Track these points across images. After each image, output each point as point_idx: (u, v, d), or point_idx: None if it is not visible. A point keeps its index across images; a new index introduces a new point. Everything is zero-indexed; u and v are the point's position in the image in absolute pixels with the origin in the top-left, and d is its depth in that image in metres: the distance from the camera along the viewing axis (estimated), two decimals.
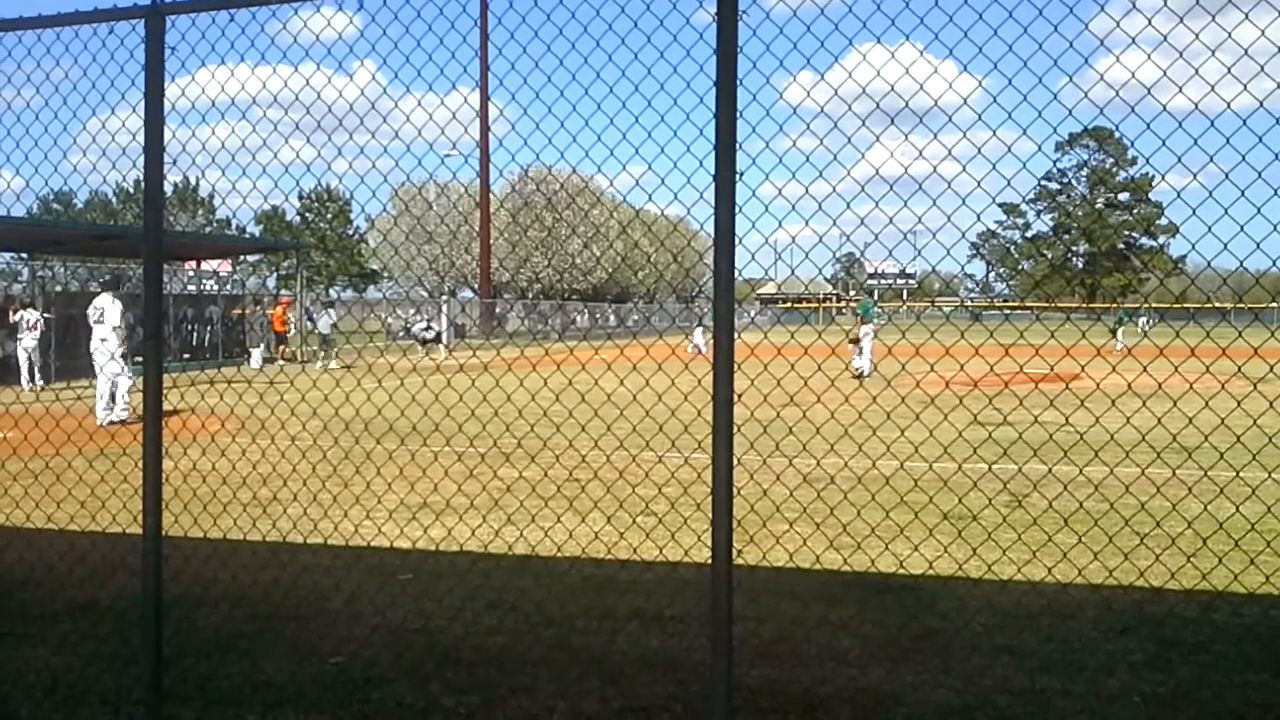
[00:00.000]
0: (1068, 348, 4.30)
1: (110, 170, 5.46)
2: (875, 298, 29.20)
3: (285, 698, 4.92)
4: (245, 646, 5.58)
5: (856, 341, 22.80)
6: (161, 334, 4.66)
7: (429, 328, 37.89)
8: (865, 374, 21.25)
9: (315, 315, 33.99)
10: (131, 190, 69.42)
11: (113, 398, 16.44)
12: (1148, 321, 39.11)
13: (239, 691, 4.99)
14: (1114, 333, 37.03)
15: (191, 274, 38.96)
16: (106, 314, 16.72)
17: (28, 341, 24.44)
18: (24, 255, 30.87)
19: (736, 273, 3.90)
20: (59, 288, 30.12)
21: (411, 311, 37.92)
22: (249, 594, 6.26)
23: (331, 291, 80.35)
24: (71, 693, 4.95)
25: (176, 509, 6.98)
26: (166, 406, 4.44)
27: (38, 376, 24.13)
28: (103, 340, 16.64)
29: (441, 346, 35.10)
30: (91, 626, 5.83)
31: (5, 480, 7.60)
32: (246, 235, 53.49)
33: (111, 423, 15.81)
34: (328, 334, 31.93)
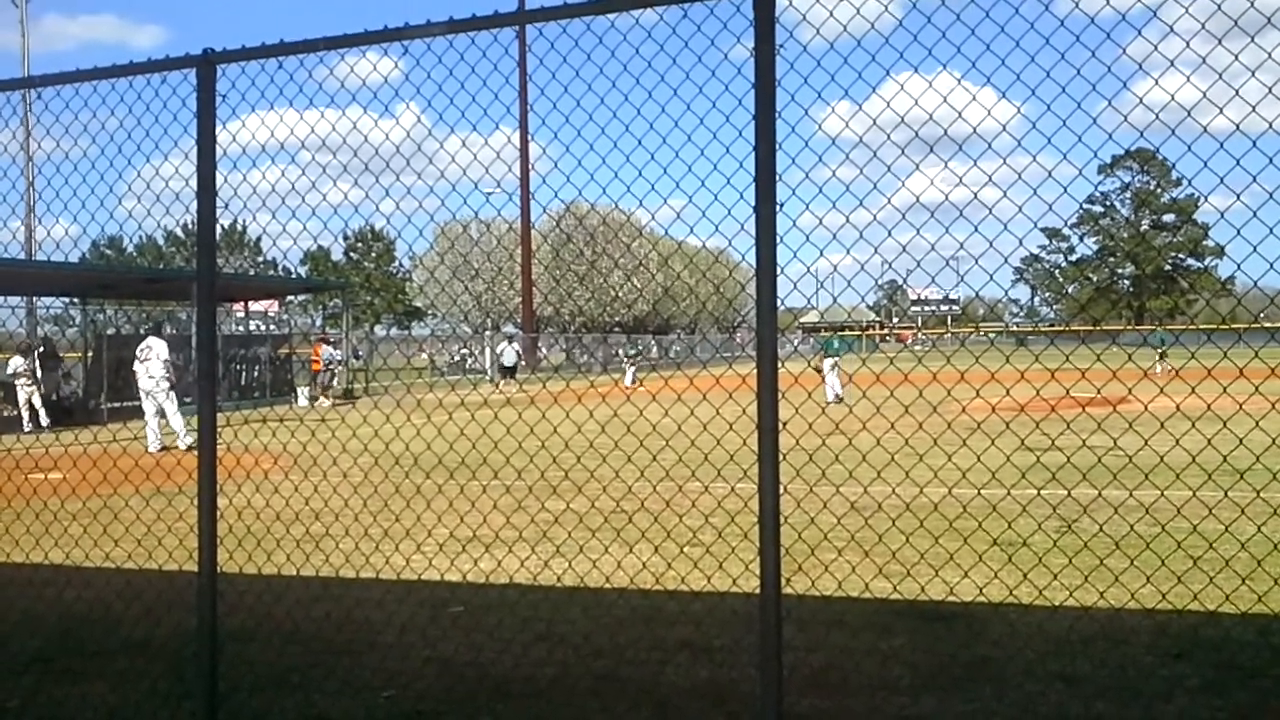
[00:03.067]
0: (1114, 370, 4.28)
1: (164, 216, 5.61)
2: (838, 334, 30.58)
3: None
4: (298, 681, 5.64)
5: (819, 371, 26.04)
6: (215, 373, 4.76)
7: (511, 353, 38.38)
8: (834, 400, 23.76)
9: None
10: (181, 235, 70.66)
11: (162, 422, 18.08)
12: (1163, 342, 38.57)
13: None
14: (1161, 355, 36.67)
15: (240, 315, 39.50)
16: (155, 352, 18.34)
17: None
18: (75, 300, 31.44)
19: (779, 302, 3.93)
20: (110, 330, 30.64)
21: (502, 344, 38.52)
22: (302, 629, 6.32)
23: (379, 328, 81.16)
24: None
25: (230, 545, 7.07)
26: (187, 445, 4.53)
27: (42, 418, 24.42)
28: (151, 377, 18.24)
29: (508, 381, 35.45)
30: (147, 663, 5.92)
31: (64, 519, 7.74)
32: (293, 276, 54.23)
33: (163, 449, 17.25)
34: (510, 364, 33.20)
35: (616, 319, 69.19)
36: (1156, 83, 3.87)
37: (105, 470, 7.54)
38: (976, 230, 4.19)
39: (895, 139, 4.17)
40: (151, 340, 18.76)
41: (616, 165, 4.54)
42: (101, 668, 5.94)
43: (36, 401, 24.45)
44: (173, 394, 18.21)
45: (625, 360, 40.70)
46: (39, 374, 25.12)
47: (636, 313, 69.09)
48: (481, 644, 6.14)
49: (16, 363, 24.58)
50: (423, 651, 6.00)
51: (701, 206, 4.33)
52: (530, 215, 45.64)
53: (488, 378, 42.39)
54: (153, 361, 18.29)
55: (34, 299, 29.39)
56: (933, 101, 4.05)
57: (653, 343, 66.17)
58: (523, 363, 43.81)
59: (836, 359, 26.78)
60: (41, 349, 26.24)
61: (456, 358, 49.04)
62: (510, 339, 39.85)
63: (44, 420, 24.02)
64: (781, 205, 3.95)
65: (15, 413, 24.99)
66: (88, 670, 5.92)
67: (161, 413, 18.19)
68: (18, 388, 24.55)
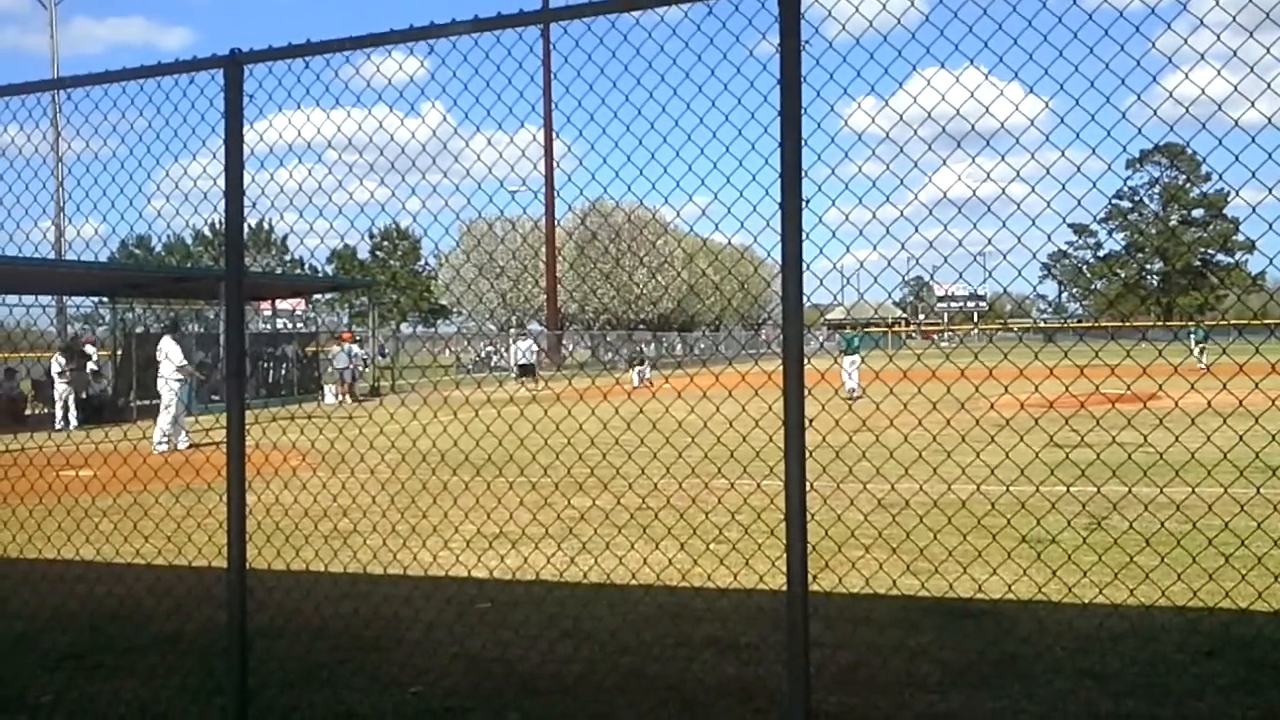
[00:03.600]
0: (1144, 366, 4.24)
1: (192, 215, 5.65)
2: (858, 331, 30.70)
3: None
4: (327, 676, 5.67)
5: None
6: (243, 371, 4.79)
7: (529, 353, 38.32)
8: (856, 395, 23.68)
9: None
10: (208, 234, 71.16)
11: (172, 423, 18.15)
12: (1201, 338, 38.31)
13: None
14: (1199, 350, 36.46)
15: (268, 313, 39.76)
16: (169, 354, 18.47)
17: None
18: (105, 299, 31.71)
19: (805, 298, 3.92)
20: (139, 329, 30.90)
21: (524, 343, 38.49)
22: (330, 625, 6.36)
23: (404, 327, 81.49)
24: None
25: (259, 542, 7.12)
26: (200, 440, 4.56)
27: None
28: (161, 377, 18.44)
29: (527, 380, 35.34)
30: (178, 658, 5.97)
31: (95, 516, 7.82)
32: (320, 274, 54.56)
33: (162, 448, 17.33)
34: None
35: (641, 316, 69.20)
36: (1186, 76, 3.83)
37: (135, 467, 7.61)
38: (1004, 226, 4.16)
39: (922, 134, 4.15)
40: (164, 342, 18.90)
41: (641, 162, 4.54)
42: (133, 663, 5.99)
43: (71, 400, 24.67)
44: (176, 399, 18.26)
45: (634, 363, 40.60)
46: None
47: (661, 310, 69.07)
48: (508, 640, 6.16)
49: (61, 362, 24.80)
50: (450, 648, 6.02)
51: (727, 203, 4.33)
52: (555, 213, 45.73)
53: (512, 375, 42.52)
54: (164, 364, 18.45)
55: (64, 298, 29.64)
56: (959, 96, 4.03)
57: (676, 340, 66.17)
58: (545, 360, 43.92)
59: (857, 356, 26.82)
60: (81, 348, 26.45)
61: (482, 355, 49.23)
62: (527, 336, 39.85)
63: (74, 419, 24.22)
64: (808, 201, 3.94)
65: (49, 410, 25.26)
66: (119, 666, 5.97)
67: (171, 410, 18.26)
68: (57, 386, 24.73)
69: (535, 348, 39.22)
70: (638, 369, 38.00)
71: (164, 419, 18.11)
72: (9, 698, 5.31)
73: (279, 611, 6.34)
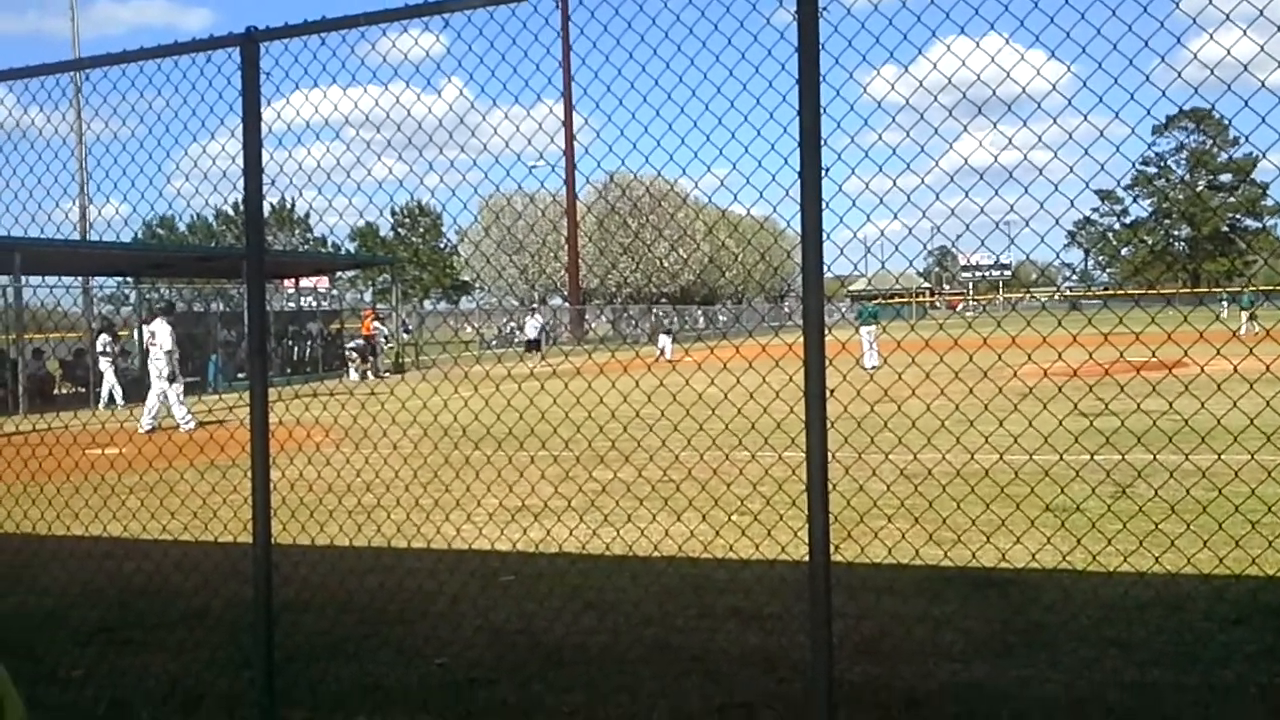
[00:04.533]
0: (1169, 332, 4.20)
1: (211, 194, 5.66)
2: (874, 302, 30.48)
3: (393, 699, 5.04)
4: (353, 650, 5.72)
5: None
6: (266, 349, 4.80)
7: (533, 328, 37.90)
8: (876, 368, 23.38)
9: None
10: (231, 213, 71.39)
11: (168, 410, 18.08)
12: (1252, 303, 37.95)
13: (348, 694, 5.12)
14: (1246, 318, 36.17)
15: (290, 291, 39.90)
16: (158, 337, 18.35)
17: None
18: (129, 279, 31.90)
19: (825, 268, 3.90)
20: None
21: (528, 317, 38.26)
22: (355, 599, 6.41)
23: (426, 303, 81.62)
24: (189, 697, 5.13)
25: (284, 517, 7.17)
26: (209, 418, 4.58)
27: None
28: (154, 360, 18.39)
29: (538, 354, 35.00)
30: (206, 633, 6.03)
31: (122, 493, 7.89)
32: (342, 252, 54.71)
33: (151, 430, 17.18)
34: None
35: (663, 290, 69.08)
36: (1211, 37, 3.77)
37: (160, 445, 7.67)
38: (1026, 192, 4.11)
39: (943, 101, 4.11)
40: (156, 324, 18.77)
41: (659, 134, 4.51)
42: (161, 638, 6.06)
43: (114, 378, 24.80)
44: (166, 382, 18.14)
45: (659, 334, 40.13)
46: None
47: (682, 283, 68.94)
48: (532, 612, 6.19)
49: (105, 340, 24.92)
50: (474, 620, 6.06)
51: (746, 173, 4.30)
52: (575, 186, 45.63)
53: (518, 351, 42.54)
54: (157, 347, 18.38)
55: (88, 278, 29.84)
56: (980, 62, 3.98)
57: (698, 313, 66.02)
58: (565, 334, 43.82)
59: (875, 326, 26.69)
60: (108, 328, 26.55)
61: (505, 330, 49.25)
62: (533, 313, 39.62)
63: (119, 397, 24.31)
64: (827, 170, 3.91)
65: (78, 389, 25.47)
66: (148, 640, 6.04)
67: (172, 392, 18.21)
68: (101, 364, 24.84)
69: (541, 323, 38.87)
70: (663, 341, 37.60)
71: (151, 399, 18.13)
72: (41, 672, 5.37)
73: (304, 586, 6.39)
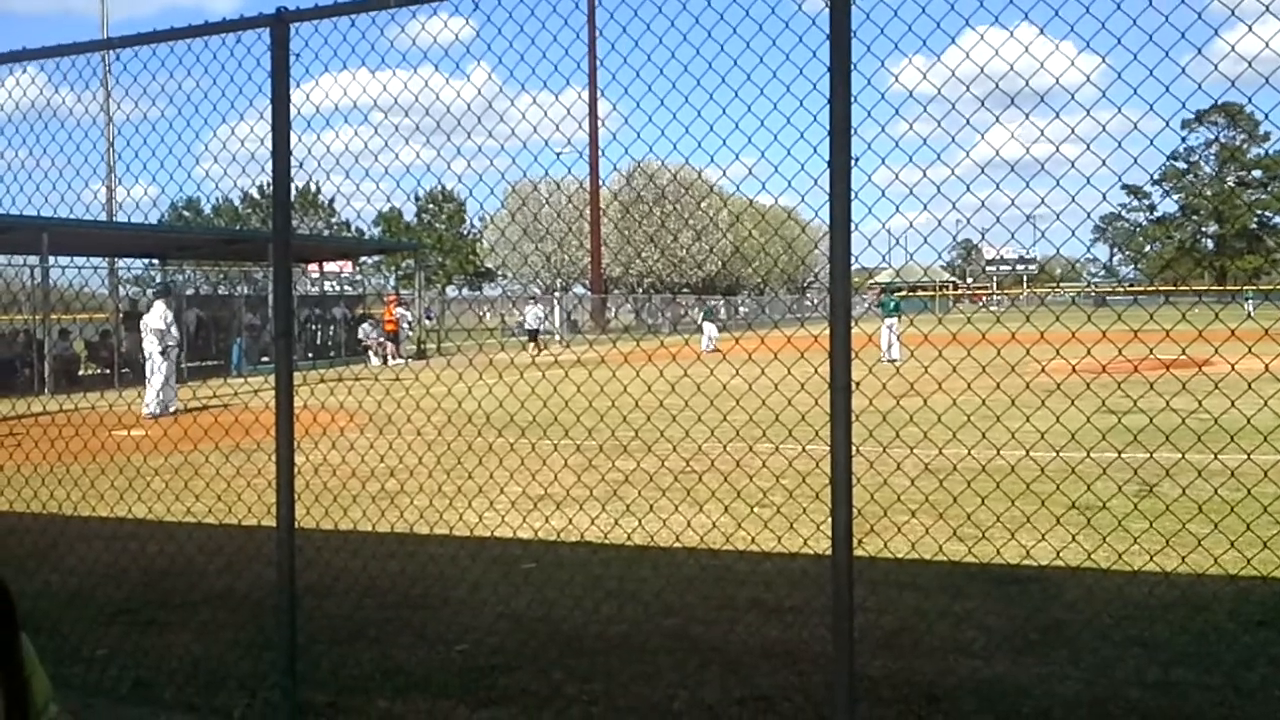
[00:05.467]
0: (1200, 329, 4.15)
1: (240, 175, 5.67)
2: (897, 294, 30.15)
3: (414, 684, 5.05)
4: (375, 634, 5.74)
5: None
6: (291, 332, 4.81)
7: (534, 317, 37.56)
8: (887, 360, 23.83)
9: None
10: (256, 196, 71.70)
11: (160, 390, 17.97)
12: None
13: (369, 677, 5.13)
14: None
15: (315, 275, 40.05)
16: (149, 318, 18.34)
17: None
18: (155, 260, 32.09)
19: (853, 259, 3.86)
20: (190, 291, 31.26)
21: (532, 308, 38.07)
22: (377, 583, 6.43)
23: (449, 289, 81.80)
24: (211, 678, 5.16)
25: (308, 501, 7.19)
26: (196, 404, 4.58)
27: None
28: (146, 342, 18.23)
29: (533, 344, 34.37)
30: (229, 614, 6.06)
31: (146, 475, 7.93)
32: (367, 237, 54.87)
33: (152, 415, 17.14)
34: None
35: (686, 279, 68.96)
36: (1250, 29, 3.71)
37: (186, 427, 7.70)
38: (1058, 185, 4.06)
39: (974, 92, 4.06)
40: (154, 306, 18.71)
41: (688, 120, 4.48)
42: (185, 619, 6.09)
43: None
44: (162, 364, 18.04)
45: (705, 320, 39.19)
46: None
47: (706, 272, 68.79)
48: (553, 600, 6.19)
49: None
50: (495, 607, 6.07)
51: (774, 162, 4.27)
52: (599, 173, 45.57)
53: (556, 338, 42.52)
54: (147, 331, 18.31)
55: (115, 260, 30.03)
56: (1013, 52, 3.93)
57: (720, 304, 65.92)
58: (580, 324, 43.72)
59: (896, 319, 26.50)
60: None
61: (520, 319, 49.25)
62: (534, 300, 39.42)
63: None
64: (856, 159, 3.87)
65: (103, 370, 25.66)
66: (171, 621, 6.08)
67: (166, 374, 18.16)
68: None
69: (543, 313, 38.56)
70: (709, 330, 36.29)
71: (153, 383, 18.00)
72: (65, 650, 5.41)
73: (327, 570, 6.42)
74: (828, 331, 3.75)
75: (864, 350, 4.01)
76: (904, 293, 32.37)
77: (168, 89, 5.43)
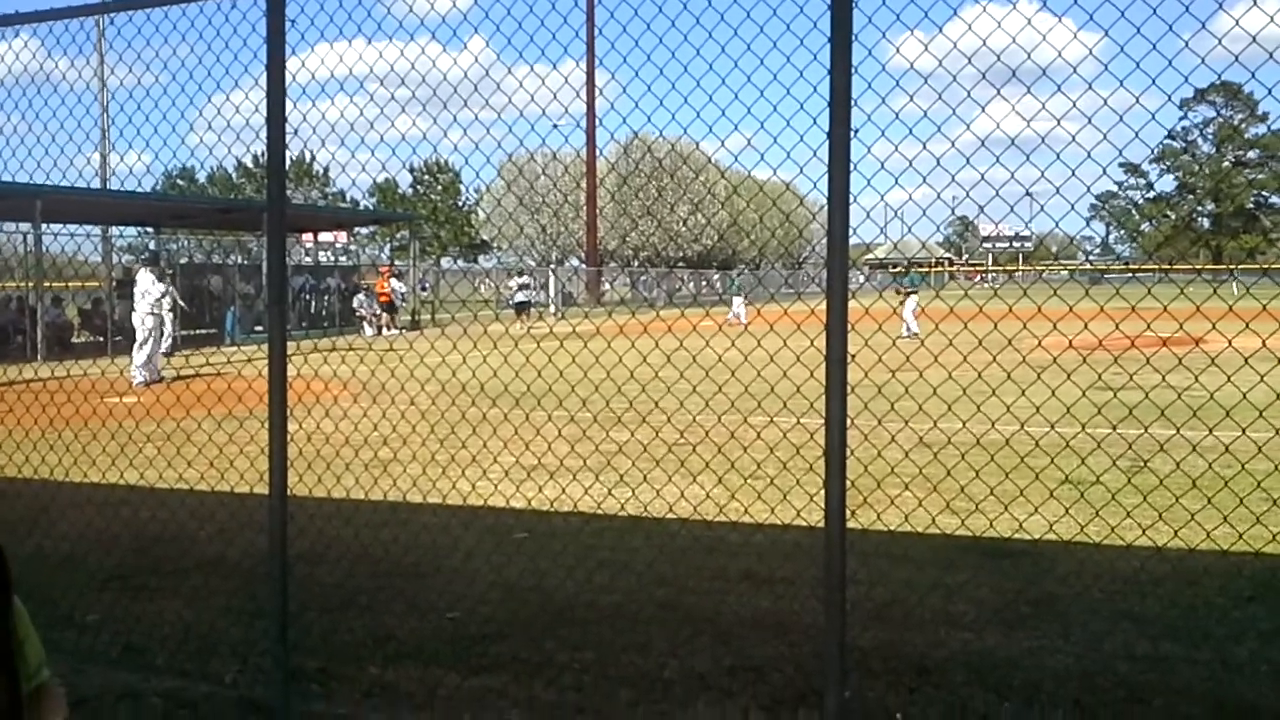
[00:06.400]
0: (1198, 304, 4.14)
1: (234, 143, 5.64)
2: (912, 270, 29.92)
3: (405, 651, 5.06)
4: (366, 602, 5.74)
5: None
6: (285, 300, 4.79)
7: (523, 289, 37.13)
8: (906, 335, 23.41)
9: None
10: (250, 165, 71.38)
11: (150, 358, 18.02)
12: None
13: (361, 645, 5.14)
14: None
15: (309, 245, 39.92)
16: (137, 288, 18.33)
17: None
18: (150, 229, 31.92)
19: (851, 231, 3.84)
20: (184, 260, 31.15)
21: (518, 280, 37.83)
22: (369, 551, 6.43)
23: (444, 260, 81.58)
24: (203, 644, 5.16)
25: (300, 468, 7.18)
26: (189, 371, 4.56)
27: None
28: (137, 312, 18.17)
29: (524, 317, 33.87)
30: (220, 581, 6.06)
31: (139, 441, 7.92)
32: (361, 208, 54.69)
33: (141, 383, 17.08)
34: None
35: (682, 253, 68.81)
36: (1255, 3, 3.68)
37: (178, 394, 7.68)
38: (1058, 158, 4.04)
39: (976, 65, 4.03)
40: (140, 275, 18.63)
41: (686, 90, 4.44)
42: (176, 585, 6.09)
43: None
44: (152, 333, 18.00)
45: (728, 294, 38.39)
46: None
47: (702, 245, 68.65)
48: (545, 569, 6.20)
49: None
50: (487, 576, 6.07)
51: (774, 133, 4.24)
52: (596, 144, 45.37)
53: (551, 310, 42.41)
54: (139, 299, 18.23)
55: (108, 228, 29.88)
56: (1015, 25, 3.90)
57: (715, 277, 65.78)
58: (582, 296, 43.53)
59: (915, 292, 26.26)
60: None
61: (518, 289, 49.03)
62: (521, 274, 39.18)
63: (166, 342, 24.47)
64: (856, 131, 3.84)
65: (95, 338, 25.59)
66: (163, 587, 6.08)
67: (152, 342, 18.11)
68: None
69: (531, 284, 38.24)
70: (737, 305, 35.07)
71: (140, 352, 17.91)
72: (57, 616, 5.41)
73: (319, 538, 6.41)
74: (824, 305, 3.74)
75: (861, 324, 3.99)
76: (923, 269, 32.23)
77: (162, 54, 5.39)
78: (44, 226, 23.70)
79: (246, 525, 6.52)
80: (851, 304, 3.79)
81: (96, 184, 30.14)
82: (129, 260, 31.97)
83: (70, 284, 26.71)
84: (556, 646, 5.10)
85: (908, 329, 25.01)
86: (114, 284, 26.70)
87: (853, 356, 3.74)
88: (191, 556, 6.56)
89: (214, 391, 7.64)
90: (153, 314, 18.10)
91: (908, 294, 26.33)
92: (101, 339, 25.48)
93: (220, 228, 34.19)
